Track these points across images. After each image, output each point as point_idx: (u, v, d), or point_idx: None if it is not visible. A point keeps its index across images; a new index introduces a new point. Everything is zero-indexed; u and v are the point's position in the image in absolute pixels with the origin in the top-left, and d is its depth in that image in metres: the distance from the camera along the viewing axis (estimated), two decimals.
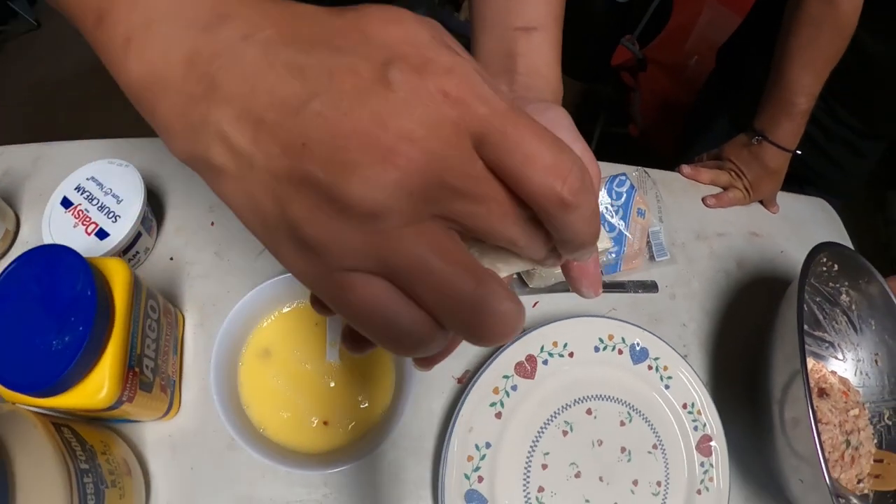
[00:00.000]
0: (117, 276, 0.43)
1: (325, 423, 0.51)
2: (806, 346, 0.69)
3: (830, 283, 0.68)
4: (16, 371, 0.37)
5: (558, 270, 0.32)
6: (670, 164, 0.84)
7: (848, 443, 0.61)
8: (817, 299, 0.69)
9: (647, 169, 0.73)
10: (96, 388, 0.40)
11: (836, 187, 0.93)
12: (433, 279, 0.18)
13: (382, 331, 0.19)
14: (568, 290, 0.65)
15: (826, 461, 0.50)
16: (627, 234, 0.67)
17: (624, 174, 0.69)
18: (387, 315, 0.19)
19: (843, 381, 0.67)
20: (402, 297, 0.19)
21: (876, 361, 0.68)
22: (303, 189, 0.18)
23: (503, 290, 0.19)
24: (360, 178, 0.17)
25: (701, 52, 1.50)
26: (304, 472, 0.48)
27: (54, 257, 0.40)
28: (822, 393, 0.64)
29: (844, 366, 0.69)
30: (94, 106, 1.73)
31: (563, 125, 0.34)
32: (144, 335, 0.44)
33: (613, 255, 0.66)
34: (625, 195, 0.69)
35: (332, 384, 0.53)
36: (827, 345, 0.70)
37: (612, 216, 0.68)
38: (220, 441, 0.50)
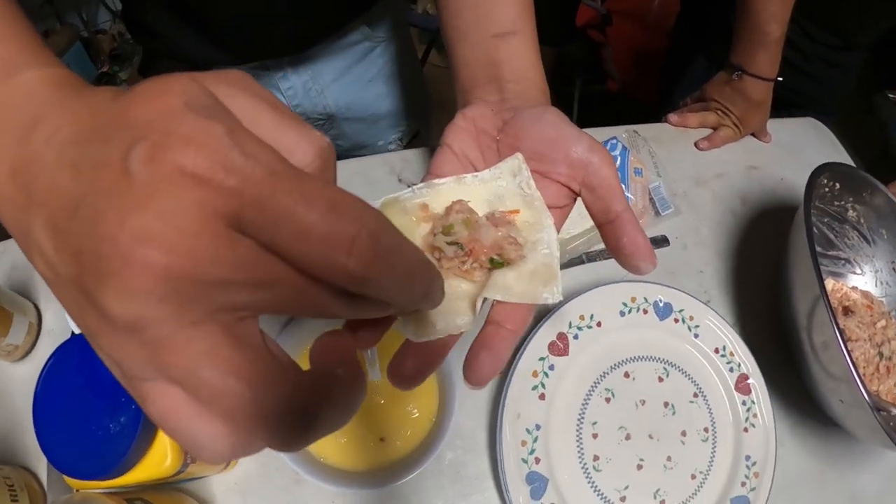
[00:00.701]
0: None
1: (382, 439, 0.53)
2: (823, 267, 0.70)
3: (835, 202, 0.69)
4: (80, 460, 0.39)
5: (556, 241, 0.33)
6: (656, 113, 0.84)
7: (881, 354, 0.63)
8: (825, 220, 0.70)
9: (636, 128, 0.74)
10: (160, 458, 0.42)
11: (823, 104, 0.93)
12: (207, 391, 0.16)
13: (183, 443, 0.18)
14: (583, 262, 0.66)
15: (861, 378, 0.52)
16: (629, 195, 0.68)
17: (615, 137, 0.70)
18: (182, 428, 0.17)
19: (866, 294, 0.68)
20: (196, 407, 0.17)
21: (894, 269, 0.69)
22: (87, 299, 0.16)
23: (272, 398, 0.17)
24: (111, 288, 0.15)
25: None
26: (371, 490, 0.50)
27: (87, 346, 0.42)
28: (847, 311, 0.66)
29: (864, 279, 0.71)
30: None
31: (562, 124, 0.35)
32: None
33: None
34: (619, 158, 0.69)
35: (382, 401, 0.55)
36: (843, 262, 0.71)
37: None
38: (285, 478, 0.52)
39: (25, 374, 0.55)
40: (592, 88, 1.64)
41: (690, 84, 0.87)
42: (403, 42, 0.83)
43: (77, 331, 0.52)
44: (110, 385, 0.40)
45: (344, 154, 0.92)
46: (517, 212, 0.34)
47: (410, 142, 0.93)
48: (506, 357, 0.30)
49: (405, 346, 0.30)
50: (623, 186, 0.68)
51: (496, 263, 0.32)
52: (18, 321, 0.54)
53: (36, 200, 0.18)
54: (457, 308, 0.31)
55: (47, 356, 0.54)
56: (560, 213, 0.36)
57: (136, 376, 0.17)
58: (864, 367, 0.62)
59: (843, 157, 0.80)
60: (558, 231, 0.35)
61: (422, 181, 0.35)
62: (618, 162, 0.69)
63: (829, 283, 0.69)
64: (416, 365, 0.29)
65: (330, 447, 0.52)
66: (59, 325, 0.58)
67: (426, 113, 0.94)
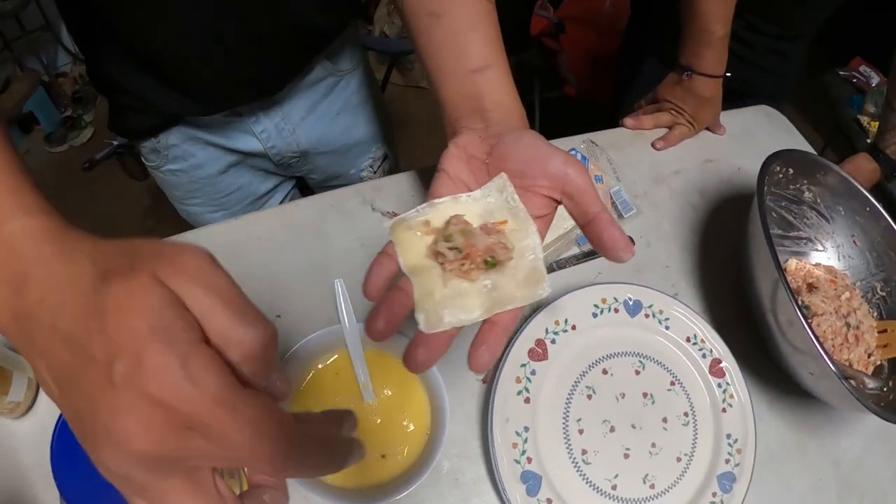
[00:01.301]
0: None
1: (383, 456, 0.57)
2: (784, 248, 0.74)
3: (791, 186, 0.73)
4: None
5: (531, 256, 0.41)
6: (613, 116, 0.88)
7: (848, 325, 0.66)
8: (783, 204, 0.74)
9: (593, 138, 0.78)
10: None
11: (774, 92, 0.97)
12: None
13: None
14: (554, 270, 0.71)
15: (826, 350, 0.55)
16: None
17: (573, 149, 0.75)
18: None
19: (829, 269, 0.71)
20: None
21: (854, 242, 0.73)
22: (86, 440, 0.24)
23: None
24: (107, 455, 0.23)
25: None
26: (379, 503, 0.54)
27: None
28: (811, 287, 0.69)
29: (827, 255, 0.74)
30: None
31: (538, 144, 0.42)
32: None
33: None
34: None
35: (378, 420, 0.59)
36: (805, 241, 0.75)
37: None
38: (294, 498, 0.56)
39: (29, 430, 0.56)
40: (550, 95, 1.68)
41: (644, 86, 0.91)
42: (364, 70, 0.87)
43: None
44: None
45: (318, 186, 0.97)
46: (505, 222, 0.42)
47: (381, 165, 0.97)
48: (500, 350, 0.39)
49: (416, 338, 0.38)
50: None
51: (490, 264, 0.40)
52: (17, 379, 0.54)
53: (38, 350, 0.25)
54: (461, 305, 0.39)
55: (48, 410, 0.56)
56: (544, 221, 0.43)
57: (126, 494, 0.26)
58: (832, 339, 0.65)
59: (797, 139, 0.83)
60: (544, 235, 0.43)
61: (424, 203, 0.43)
62: None
63: (793, 263, 0.72)
64: (426, 353, 0.38)
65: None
66: None
67: (391, 135, 0.99)
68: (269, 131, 0.80)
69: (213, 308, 0.25)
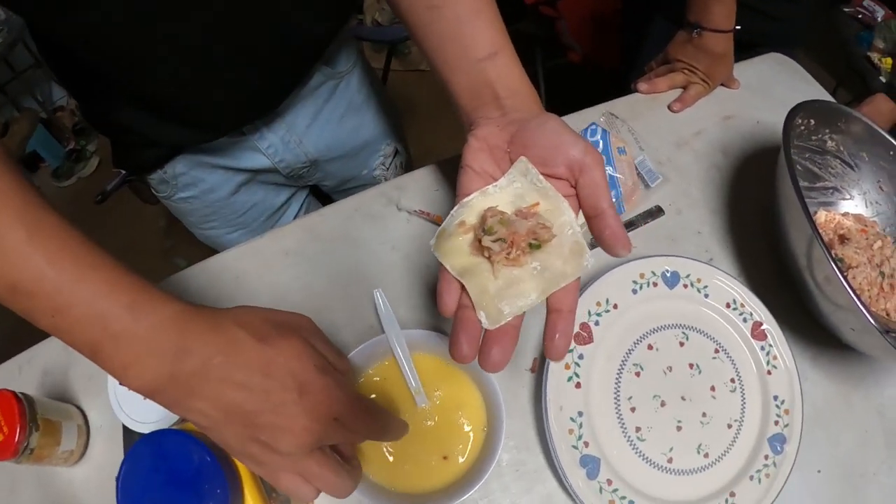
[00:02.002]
0: None
1: (445, 457, 0.57)
2: (812, 199, 0.74)
3: (813, 137, 0.71)
4: None
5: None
6: (623, 79, 0.86)
7: (882, 274, 0.66)
8: (807, 155, 0.72)
9: (611, 109, 0.76)
10: None
11: (785, 38, 0.94)
12: (316, 478, 0.40)
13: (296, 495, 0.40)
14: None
15: (866, 304, 0.55)
16: (618, 175, 0.71)
17: (594, 123, 0.73)
18: (302, 493, 0.40)
19: (859, 218, 0.71)
20: (309, 485, 0.40)
21: (881, 188, 0.72)
22: (254, 442, 0.37)
23: (349, 474, 0.42)
24: (283, 444, 0.37)
25: None
26: None
27: (156, 444, 0.44)
28: (843, 239, 0.69)
29: (854, 203, 0.74)
30: None
31: (562, 131, 0.43)
32: None
33: (614, 200, 0.70)
34: (601, 142, 0.72)
35: (430, 423, 0.59)
36: (831, 191, 0.74)
37: None
38: None
39: (86, 476, 0.57)
40: (554, 64, 1.63)
41: (652, 47, 0.88)
42: (362, 66, 0.83)
43: (131, 426, 0.55)
44: (190, 475, 0.43)
45: (333, 192, 0.94)
46: (538, 204, 0.43)
47: (393, 160, 0.94)
48: (572, 333, 0.42)
49: (486, 338, 0.41)
50: (610, 168, 0.71)
51: (534, 246, 0.41)
52: (67, 428, 0.55)
53: (200, 395, 0.36)
54: (517, 292, 0.41)
55: (102, 453, 0.57)
56: (571, 200, 0.43)
57: (277, 470, 0.39)
58: (867, 291, 0.65)
59: (812, 85, 0.81)
60: (576, 212, 0.44)
61: (455, 206, 0.44)
62: (600, 146, 0.72)
63: (822, 215, 0.72)
64: (500, 351, 0.40)
65: (399, 478, 0.56)
66: (106, 421, 0.59)
67: (399, 127, 0.96)
68: (276, 146, 0.77)
69: (328, 351, 0.42)
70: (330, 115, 0.81)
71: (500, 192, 0.44)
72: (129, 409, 0.55)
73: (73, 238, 0.35)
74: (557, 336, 0.41)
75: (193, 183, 0.78)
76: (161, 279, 0.67)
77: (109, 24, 0.53)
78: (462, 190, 0.45)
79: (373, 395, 0.59)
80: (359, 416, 0.41)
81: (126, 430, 0.56)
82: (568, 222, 0.42)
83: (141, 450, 0.44)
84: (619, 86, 0.83)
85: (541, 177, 0.43)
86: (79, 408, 0.60)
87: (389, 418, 0.46)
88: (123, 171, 0.74)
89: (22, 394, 0.53)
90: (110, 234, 1.86)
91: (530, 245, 0.41)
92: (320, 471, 0.39)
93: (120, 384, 0.35)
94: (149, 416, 0.55)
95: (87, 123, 2.39)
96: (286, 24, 0.63)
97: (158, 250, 1.75)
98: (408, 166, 0.98)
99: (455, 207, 0.44)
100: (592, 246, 0.44)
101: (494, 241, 0.40)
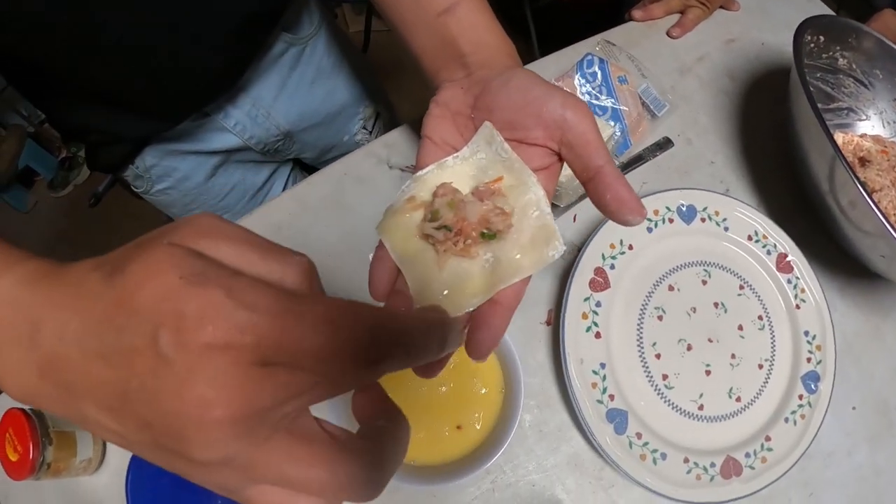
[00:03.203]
0: None
1: (459, 427, 0.51)
2: (828, 122, 0.68)
3: (823, 55, 0.66)
4: None
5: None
6: (616, 11, 0.79)
7: None
8: (818, 75, 0.67)
9: (606, 38, 0.69)
10: None
11: None
12: (296, 483, 0.21)
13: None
14: None
15: (894, 228, 0.50)
16: (621, 107, 0.64)
17: (589, 53, 0.66)
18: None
19: (877, 138, 0.66)
20: (292, 494, 0.21)
21: None
22: (171, 454, 0.20)
23: (343, 469, 0.21)
24: (194, 445, 0.19)
25: None
26: (467, 476, 0.49)
27: None
28: (864, 161, 0.64)
29: (871, 123, 0.69)
30: None
31: (530, 85, 0.34)
32: None
33: (619, 134, 0.64)
34: (599, 72, 0.65)
35: (447, 388, 0.53)
36: (846, 111, 0.69)
37: (598, 98, 0.65)
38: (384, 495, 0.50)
39: (108, 482, 0.54)
40: (541, 4, 1.54)
41: None
42: (328, 29, 0.76)
43: None
44: None
45: (315, 163, 0.87)
46: (500, 179, 0.34)
47: (375, 123, 0.87)
48: (503, 331, 0.32)
49: (472, 322, 0.32)
50: (611, 99, 0.64)
51: (487, 236, 0.32)
52: (81, 437, 0.52)
53: (78, 392, 0.20)
54: (460, 290, 0.32)
55: (120, 457, 0.54)
56: (547, 172, 0.35)
57: (237, 489, 0.21)
58: (894, 214, 0.61)
59: (814, 4, 0.76)
60: (551, 190, 0.35)
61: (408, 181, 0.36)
62: (598, 77, 0.65)
63: (839, 138, 0.67)
64: (489, 334, 0.31)
65: (414, 448, 0.50)
66: None
67: (379, 88, 0.88)
68: (243, 122, 0.71)
69: (242, 254, 0.21)
70: (298, 84, 0.74)
71: (460, 165, 0.36)
72: None
73: None
74: (484, 331, 0.31)
75: (167, 174, 0.73)
76: None
77: (42, 23, 0.49)
78: (419, 163, 0.37)
79: None
80: (318, 334, 0.19)
81: None
82: (534, 202, 0.33)
83: (139, 460, 0.41)
84: (613, 19, 0.76)
85: (506, 146, 0.34)
86: None
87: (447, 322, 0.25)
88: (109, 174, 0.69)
89: (31, 410, 0.50)
90: (110, 235, 1.76)
91: (482, 234, 0.32)
92: (292, 469, 0.21)
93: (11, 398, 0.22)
94: None
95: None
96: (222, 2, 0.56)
97: None
98: (393, 126, 0.91)
99: (407, 182, 0.36)
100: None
101: (438, 229, 0.32)
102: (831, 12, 0.74)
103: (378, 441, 0.23)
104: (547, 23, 1.51)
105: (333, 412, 0.48)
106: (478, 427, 0.51)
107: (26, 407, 0.49)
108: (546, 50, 0.73)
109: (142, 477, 0.39)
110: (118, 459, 0.53)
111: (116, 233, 1.73)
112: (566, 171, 0.35)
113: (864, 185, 0.62)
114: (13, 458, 0.48)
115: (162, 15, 0.54)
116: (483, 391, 0.52)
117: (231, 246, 0.21)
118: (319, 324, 0.19)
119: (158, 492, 0.40)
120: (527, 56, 0.57)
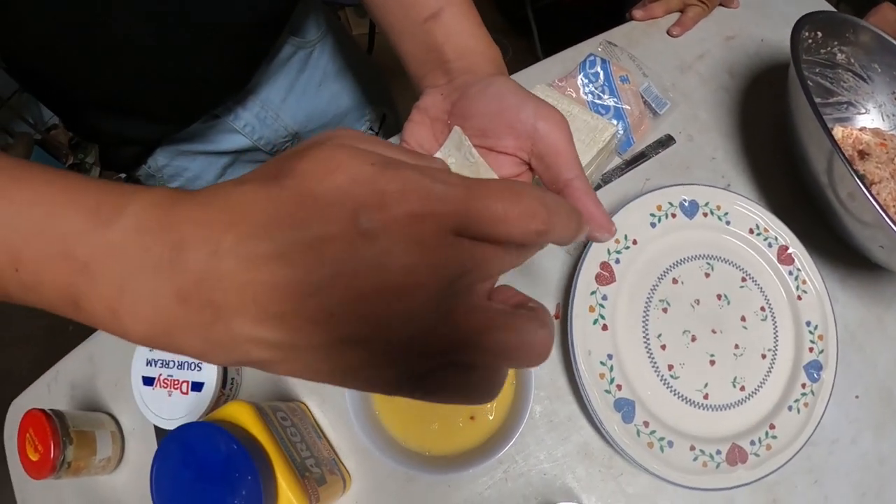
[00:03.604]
0: (243, 415, 0.43)
1: (472, 417, 0.53)
2: (827, 116, 0.69)
3: (822, 50, 0.67)
4: None
5: None
6: (618, 10, 0.80)
7: None
8: (817, 70, 0.68)
9: (608, 38, 0.70)
10: None
11: None
12: (479, 345, 0.20)
13: (458, 399, 0.22)
14: (601, 187, 0.65)
15: (893, 219, 0.51)
16: (624, 105, 0.65)
17: (591, 54, 0.67)
18: (457, 390, 0.21)
19: (877, 132, 0.67)
20: (459, 372, 0.21)
21: None
22: (348, 345, 0.19)
23: (533, 323, 0.21)
24: (396, 318, 0.19)
25: None
26: (480, 466, 0.50)
27: (182, 440, 0.41)
28: (863, 154, 0.65)
29: (870, 117, 0.69)
30: None
31: (505, 93, 0.34)
32: (292, 443, 0.46)
33: (622, 132, 0.65)
34: (601, 72, 0.66)
35: None
36: (845, 105, 0.70)
37: (600, 98, 0.66)
38: (399, 480, 0.52)
39: (127, 479, 0.55)
40: (543, 4, 1.54)
41: None
42: (336, 33, 0.78)
43: (160, 424, 0.50)
44: (220, 466, 0.40)
45: None
46: None
47: (382, 124, 0.88)
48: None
49: None
50: (614, 99, 0.65)
51: None
52: (101, 436, 0.54)
53: (230, 308, 0.19)
54: None
55: (139, 455, 0.56)
56: (517, 180, 0.35)
57: (417, 372, 0.20)
58: (893, 206, 0.62)
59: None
60: None
61: None
62: (601, 77, 0.66)
63: (839, 132, 0.67)
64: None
65: (427, 439, 0.52)
66: (138, 424, 0.57)
67: (385, 91, 0.90)
68: (252, 124, 0.72)
69: (398, 153, 0.22)
70: (306, 86, 0.76)
71: None
72: (155, 408, 0.52)
73: (26, 167, 0.23)
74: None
75: (178, 173, 0.74)
76: None
77: (55, 30, 0.50)
78: None
79: None
80: (502, 200, 0.20)
81: (157, 429, 0.54)
82: None
83: (168, 447, 0.41)
84: (615, 18, 0.77)
85: (473, 151, 0.34)
86: (110, 415, 0.58)
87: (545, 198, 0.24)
88: (122, 175, 0.71)
89: (51, 410, 0.51)
90: None
91: None
92: (476, 338, 0.20)
93: (132, 342, 0.21)
94: (176, 412, 0.52)
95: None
96: (227, 6, 0.57)
97: None
98: (399, 128, 0.92)
99: None
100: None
101: None
102: (830, 7, 0.75)
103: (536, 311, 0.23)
104: (549, 22, 1.52)
105: (352, 404, 0.50)
106: (490, 418, 0.53)
107: (47, 408, 0.51)
108: (548, 50, 0.75)
109: (167, 469, 0.40)
110: (137, 457, 0.55)
111: None
112: None
113: (863, 177, 0.63)
114: (34, 457, 0.49)
115: (173, 20, 0.55)
116: None
117: (386, 148, 0.22)
118: (506, 196, 0.20)
119: (181, 483, 0.40)
120: (529, 56, 0.58)
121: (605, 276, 0.58)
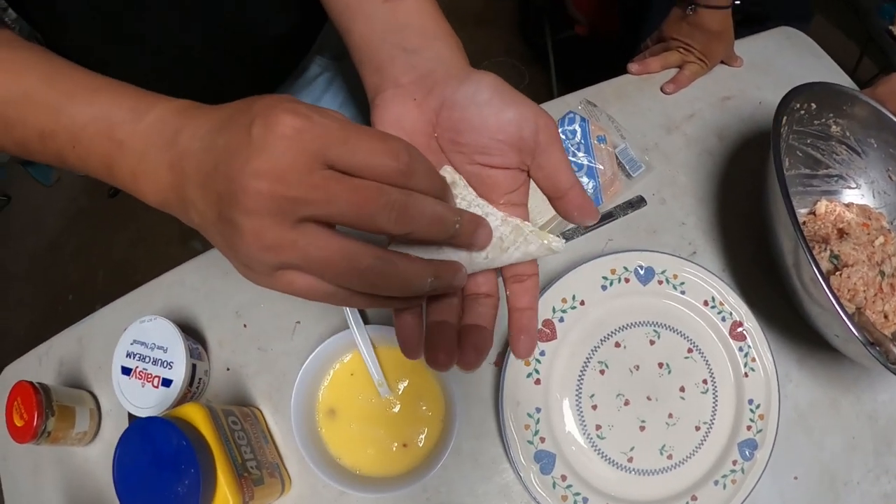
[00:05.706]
0: (196, 416, 0.49)
1: (405, 445, 0.56)
2: (814, 187, 0.65)
3: (815, 122, 0.62)
4: None
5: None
6: (628, 53, 0.77)
7: (882, 273, 0.57)
8: (808, 141, 0.63)
9: (589, 97, 0.69)
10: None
11: (795, 9, 0.81)
12: (317, 267, 0.25)
13: (322, 298, 0.27)
14: None
15: (849, 313, 0.48)
16: (597, 165, 0.65)
17: (571, 112, 0.67)
18: (313, 294, 0.26)
19: (863, 208, 0.62)
20: (314, 279, 0.26)
21: (890, 177, 0.62)
22: (226, 224, 0.25)
23: (393, 255, 0.26)
24: (238, 209, 0.24)
25: None
26: (407, 488, 0.53)
27: (142, 431, 0.47)
28: (842, 233, 0.60)
29: (860, 192, 0.64)
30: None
31: (501, 104, 0.31)
32: (238, 444, 0.51)
33: (591, 192, 0.64)
34: (579, 130, 0.66)
35: (396, 409, 0.57)
36: (835, 178, 0.64)
37: (574, 155, 0.65)
38: (331, 494, 0.56)
39: (99, 454, 0.59)
40: (561, 37, 1.49)
41: (655, 20, 0.79)
42: None
43: (132, 411, 0.57)
44: (170, 457, 0.45)
45: None
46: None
47: None
48: (535, 329, 0.34)
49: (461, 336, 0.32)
50: (588, 157, 0.65)
51: None
52: (80, 412, 0.58)
53: (189, 176, 0.27)
54: None
55: (112, 433, 0.60)
56: (520, 191, 0.34)
57: (270, 271, 0.25)
58: (863, 291, 0.57)
59: (825, 62, 0.70)
60: (525, 201, 0.34)
61: None
62: (578, 134, 0.66)
63: (822, 205, 0.63)
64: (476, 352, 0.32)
65: (361, 460, 0.55)
66: (114, 406, 0.60)
67: None
68: None
69: (327, 114, 0.26)
70: (330, 104, 0.77)
71: None
72: (129, 396, 0.57)
73: (87, 75, 0.33)
74: (523, 337, 0.33)
75: None
76: (179, 264, 0.68)
77: (76, 42, 0.51)
78: None
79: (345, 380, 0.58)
80: (375, 141, 0.25)
81: (130, 414, 0.59)
82: (509, 239, 0.32)
83: (130, 435, 0.47)
84: (626, 59, 0.74)
85: (471, 190, 0.33)
86: (91, 393, 0.62)
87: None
88: None
89: (39, 383, 0.56)
90: (128, 220, 1.82)
91: None
92: (314, 252, 0.24)
93: (147, 202, 0.31)
94: (146, 402, 0.57)
95: None
96: (252, 22, 0.58)
97: (175, 236, 1.69)
98: None
99: None
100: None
101: None
102: (841, 72, 0.68)
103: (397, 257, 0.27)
104: (565, 55, 1.46)
105: (296, 417, 0.55)
106: (419, 446, 0.56)
107: (36, 381, 0.55)
108: (565, 80, 0.73)
109: (127, 453, 0.46)
110: (110, 435, 0.59)
111: (133, 220, 1.78)
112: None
113: (835, 258, 0.59)
114: (19, 423, 0.54)
115: (196, 31, 0.54)
116: (429, 413, 0.56)
117: (323, 112, 0.26)
118: (377, 135, 0.25)
119: (137, 467, 0.46)
120: (543, 89, 0.58)
121: (547, 332, 0.58)
